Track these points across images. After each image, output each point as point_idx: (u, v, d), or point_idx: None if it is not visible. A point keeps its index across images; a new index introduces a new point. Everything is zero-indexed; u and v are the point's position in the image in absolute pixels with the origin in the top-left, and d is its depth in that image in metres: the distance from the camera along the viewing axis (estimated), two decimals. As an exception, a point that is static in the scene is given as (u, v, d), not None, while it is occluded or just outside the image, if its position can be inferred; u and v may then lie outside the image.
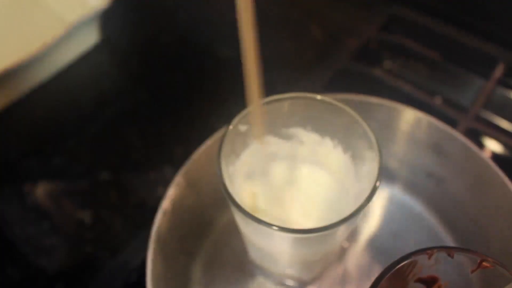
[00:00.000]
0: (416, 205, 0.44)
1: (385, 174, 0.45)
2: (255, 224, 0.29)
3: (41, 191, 0.51)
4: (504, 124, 0.52)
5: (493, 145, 0.51)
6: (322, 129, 0.35)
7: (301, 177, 0.36)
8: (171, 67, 0.61)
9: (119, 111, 0.57)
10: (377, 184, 0.29)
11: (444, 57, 0.59)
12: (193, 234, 0.41)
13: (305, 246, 0.31)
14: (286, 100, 0.33)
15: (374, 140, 0.31)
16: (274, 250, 0.33)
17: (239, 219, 0.31)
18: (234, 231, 0.38)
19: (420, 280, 0.30)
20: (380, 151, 0.30)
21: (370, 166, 0.31)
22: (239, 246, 0.41)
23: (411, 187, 0.44)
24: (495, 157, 0.50)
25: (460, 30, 0.59)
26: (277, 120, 0.35)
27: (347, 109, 0.33)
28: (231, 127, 0.32)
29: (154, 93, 0.59)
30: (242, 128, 0.33)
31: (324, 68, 0.58)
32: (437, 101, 0.55)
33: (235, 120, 0.32)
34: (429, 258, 0.27)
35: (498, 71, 0.55)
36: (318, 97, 0.33)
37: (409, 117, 0.42)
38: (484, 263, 0.27)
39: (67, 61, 0.59)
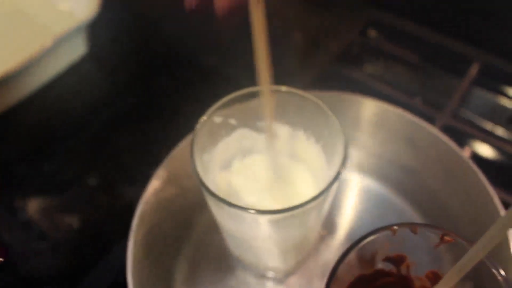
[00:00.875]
0: (392, 196, 0.45)
1: (360, 166, 0.46)
2: (228, 208, 0.30)
3: (30, 197, 0.52)
4: (478, 120, 0.54)
5: (470, 142, 0.52)
6: (295, 122, 0.37)
7: (275, 168, 0.37)
8: (157, 76, 0.63)
9: (108, 118, 0.59)
10: (341, 170, 0.30)
11: (423, 59, 0.60)
12: (175, 226, 0.42)
13: (276, 230, 0.32)
14: (260, 93, 0.34)
15: (341, 130, 0.32)
16: (248, 236, 0.34)
17: (213, 205, 0.32)
18: (215, 224, 0.39)
19: (388, 259, 0.31)
20: (345, 140, 0.32)
21: (340, 155, 0.32)
22: (220, 240, 0.42)
23: (386, 178, 0.46)
24: (473, 154, 0.51)
25: (436, 32, 0.61)
26: (251, 113, 0.36)
27: (318, 101, 0.34)
28: (205, 117, 0.33)
29: (142, 100, 0.61)
30: (218, 119, 0.34)
31: (306, 72, 0.60)
32: (417, 101, 0.56)
33: (209, 111, 0.33)
34: (394, 234, 0.29)
35: (473, 71, 0.57)
36: (291, 90, 0.35)
37: (378, 109, 0.43)
38: (446, 237, 0.28)
39: (56, 72, 0.60)
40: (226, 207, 0.30)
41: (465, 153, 0.50)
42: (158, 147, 0.55)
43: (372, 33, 0.64)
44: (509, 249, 0.34)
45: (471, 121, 0.55)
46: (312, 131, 0.36)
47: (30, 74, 0.57)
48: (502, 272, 0.27)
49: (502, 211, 0.37)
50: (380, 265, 0.31)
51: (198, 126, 0.33)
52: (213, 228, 0.42)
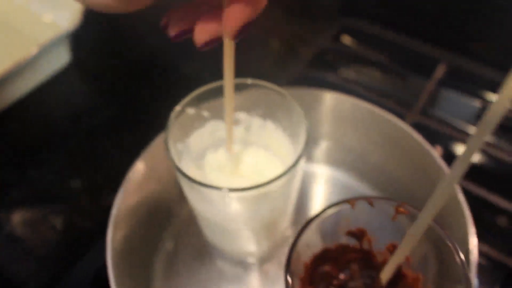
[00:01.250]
0: (360, 186, 0.47)
1: (329, 158, 0.49)
2: (201, 189, 0.32)
3: (14, 203, 0.53)
4: (447, 118, 0.56)
5: (438, 139, 0.55)
6: (264, 113, 0.39)
7: (247, 157, 0.39)
8: (139, 82, 0.65)
9: (91, 124, 0.60)
10: (303, 150, 0.33)
11: (393, 61, 0.64)
12: (153, 219, 0.43)
13: (246, 209, 0.34)
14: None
15: (303, 116, 0.34)
16: (221, 218, 0.36)
17: (187, 188, 0.34)
18: (193, 216, 0.41)
19: (350, 234, 0.33)
20: (307, 125, 0.34)
21: (303, 139, 0.35)
22: (198, 231, 0.43)
23: (354, 169, 0.48)
24: (443, 151, 0.54)
25: (405, 36, 0.64)
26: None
27: (283, 92, 0.36)
28: (178, 107, 0.35)
29: (124, 107, 0.63)
30: (191, 111, 0.36)
31: (281, 77, 0.62)
32: (389, 101, 0.59)
33: (183, 102, 0.36)
34: (353, 207, 0.31)
35: (440, 71, 0.60)
36: (259, 83, 0.37)
37: (339, 101, 0.46)
38: (400, 209, 0.30)
39: (40, 80, 0.62)
40: (199, 188, 0.32)
41: (436, 151, 0.53)
42: (140, 151, 0.57)
43: (345, 39, 0.67)
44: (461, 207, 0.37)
45: (440, 119, 0.57)
46: (280, 121, 0.38)
47: (15, 82, 0.59)
48: (462, 256, 0.29)
49: (461, 196, 0.39)
50: (343, 240, 0.33)
51: (172, 115, 0.35)
52: (191, 219, 0.44)
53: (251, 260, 0.42)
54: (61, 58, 0.64)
